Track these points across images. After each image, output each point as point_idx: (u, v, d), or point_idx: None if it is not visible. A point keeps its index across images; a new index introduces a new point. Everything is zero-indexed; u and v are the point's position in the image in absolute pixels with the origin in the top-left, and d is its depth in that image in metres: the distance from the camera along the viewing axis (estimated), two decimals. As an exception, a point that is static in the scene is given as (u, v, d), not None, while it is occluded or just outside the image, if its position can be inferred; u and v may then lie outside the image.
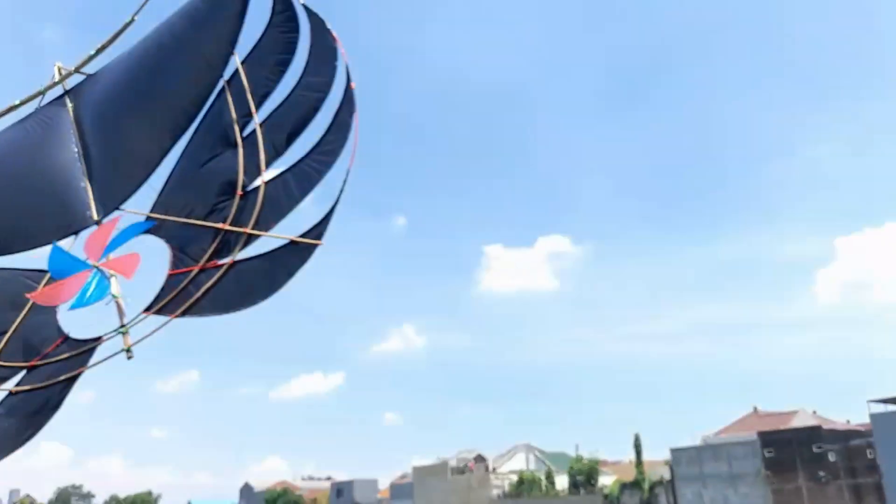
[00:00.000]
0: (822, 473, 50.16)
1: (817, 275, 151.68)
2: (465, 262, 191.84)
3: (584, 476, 68.75)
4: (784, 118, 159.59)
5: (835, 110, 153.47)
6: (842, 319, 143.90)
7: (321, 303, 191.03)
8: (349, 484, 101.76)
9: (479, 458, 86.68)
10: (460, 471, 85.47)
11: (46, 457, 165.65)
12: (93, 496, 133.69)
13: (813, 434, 52.58)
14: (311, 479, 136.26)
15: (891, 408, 49.81)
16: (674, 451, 59.35)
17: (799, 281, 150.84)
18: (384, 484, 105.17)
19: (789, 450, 52.14)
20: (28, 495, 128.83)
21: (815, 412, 63.11)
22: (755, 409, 65.57)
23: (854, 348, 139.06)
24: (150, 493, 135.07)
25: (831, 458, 50.43)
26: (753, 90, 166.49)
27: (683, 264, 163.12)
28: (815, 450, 51.10)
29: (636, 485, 61.79)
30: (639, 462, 62.91)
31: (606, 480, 69.03)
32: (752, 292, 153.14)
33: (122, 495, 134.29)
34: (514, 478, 76.97)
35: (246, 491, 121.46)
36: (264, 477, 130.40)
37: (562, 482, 72.20)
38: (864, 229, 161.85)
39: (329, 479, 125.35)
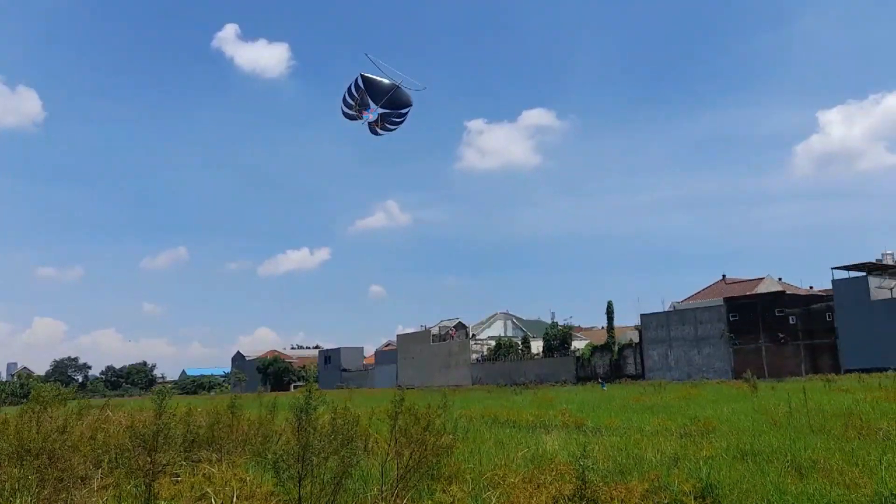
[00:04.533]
0: (781, 335, 52.95)
1: (797, 148, 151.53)
2: (446, 137, 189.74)
3: (559, 341, 72.10)
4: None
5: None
6: (817, 192, 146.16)
7: (305, 180, 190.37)
8: (336, 351, 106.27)
9: (460, 326, 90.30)
10: (442, 338, 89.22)
11: (41, 332, 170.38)
12: (89, 367, 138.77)
13: (776, 299, 54.97)
14: (300, 347, 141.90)
15: (853, 274, 51.77)
16: (643, 317, 62.06)
17: (777, 154, 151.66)
18: (370, 351, 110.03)
19: (753, 313, 54.70)
20: (25, 368, 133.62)
21: (780, 279, 65.54)
22: (724, 277, 67.92)
23: (828, 220, 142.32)
24: (144, 364, 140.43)
25: (791, 321, 53.02)
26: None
27: (665, 139, 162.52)
28: (776, 313, 53.61)
29: (607, 347, 65.08)
30: (610, 327, 65.84)
31: (580, 345, 72.52)
32: (730, 166, 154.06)
33: (118, 367, 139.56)
34: (493, 343, 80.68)
35: (238, 359, 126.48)
36: (255, 346, 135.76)
37: (537, 347, 75.81)
38: (847, 101, 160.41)
39: (317, 347, 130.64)
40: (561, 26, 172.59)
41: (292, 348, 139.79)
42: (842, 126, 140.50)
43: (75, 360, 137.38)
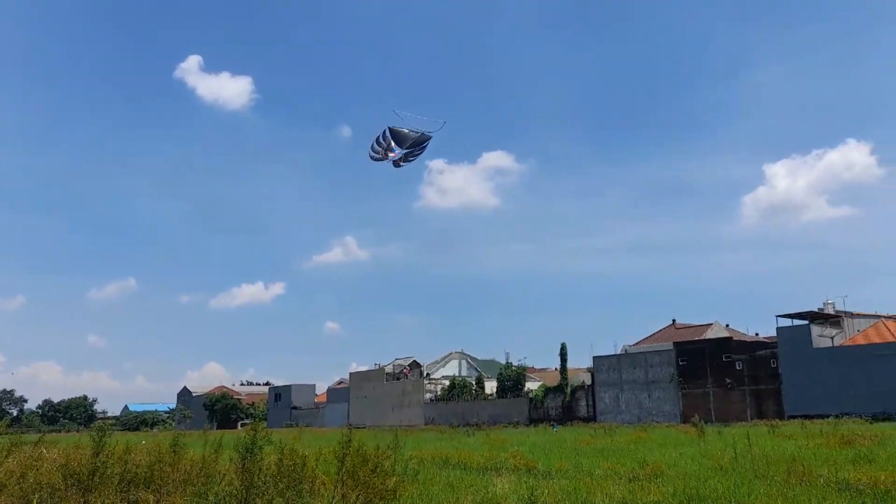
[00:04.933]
0: (728, 380, 54.05)
1: (745, 198, 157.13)
2: (408, 176, 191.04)
3: (513, 381, 72.08)
4: (729, 43, 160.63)
5: (778, 37, 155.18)
6: (763, 241, 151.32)
7: (263, 214, 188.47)
8: (287, 388, 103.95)
9: (415, 365, 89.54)
10: (396, 376, 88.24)
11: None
12: (25, 401, 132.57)
13: (723, 345, 56.25)
14: (249, 384, 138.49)
15: (797, 322, 53.40)
16: (596, 359, 62.64)
17: (726, 204, 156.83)
18: (322, 389, 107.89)
19: (701, 359, 55.80)
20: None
21: (728, 325, 67.18)
22: (674, 321, 69.29)
23: (773, 268, 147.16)
24: (85, 398, 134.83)
25: (738, 366, 54.21)
26: (702, 15, 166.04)
27: (619, 184, 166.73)
28: (724, 359, 54.78)
29: (559, 389, 65.30)
30: (563, 369, 66.17)
31: (533, 386, 72.61)
32: (681, 213, 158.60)
33: (56, 400, 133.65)
34: (447, 383, 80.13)
35: (184, 395, 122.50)
36: (203, 382, 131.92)
37: (491, 387, 75.58)
38: (792, 155, 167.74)
39: (268, 384, 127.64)
40: (522, 71, 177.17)
41: (241, 384, 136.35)
42: (787, 179, 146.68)
43: (11, 392, 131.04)
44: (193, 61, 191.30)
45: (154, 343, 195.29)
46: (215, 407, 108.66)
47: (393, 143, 33.43)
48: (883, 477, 12.59)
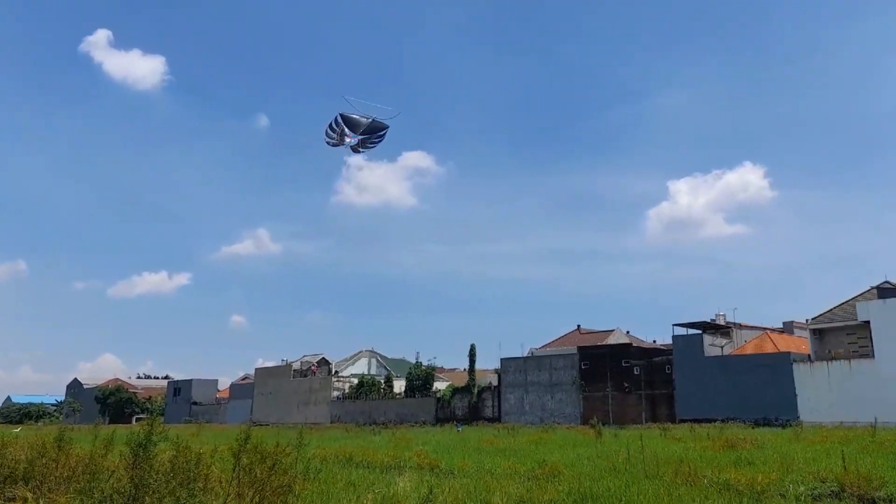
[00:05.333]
0: (626, 384, 56.41)
1: (650, 212, 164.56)
2: (326, 170, 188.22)
3: (422, 381, 72.39)
4: (641, 67, 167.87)
5: (685, 65, 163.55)
6: (664, 254, 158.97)
7: (170, 200, 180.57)
8: (187, 383, 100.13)
9: (323, 362, 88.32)
10: (303, 373, 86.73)
11: None
12: None
13: (623, 350, 58.66)
14: (147, 377, 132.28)
15: (691, 331, 56.40)
16: (503, 361, 63.89)
17: (632, 217, 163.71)
18: (225, 385, 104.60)
19: (602, 363, 57.95)
20: None
21: (628, 332, 70.13)
22: (579, 327, 71.68)
23: (672, 280, 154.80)
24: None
25: (636, 371, 56.65)
26: (616, 40, 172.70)
27: (534, 194, 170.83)
28: (623, 364, 57.12)
29: (467, 389, 66.15)
30: (472, 370, 67.07)
31: (441, 385, 73.18)
32: (590, 224, 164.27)
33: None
34: (355, 381, 79.53)
35: (74, 387, 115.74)
36: (97, 374, 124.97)
37: (400, 386, 75.59)
38: (694, 174, 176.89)
39: (167, 378, 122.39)
40: (447, 76, 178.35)
41: (139, 377, 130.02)
42: (688, 196, 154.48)
43: None
44: (102, 35, 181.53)
45: (44, 331, 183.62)
46: (108, 400, 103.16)
47: (346, 129, 33.98)
48: (760, 478, 13.53)
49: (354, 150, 35.88)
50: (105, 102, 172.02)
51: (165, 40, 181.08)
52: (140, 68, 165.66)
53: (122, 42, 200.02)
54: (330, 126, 34.69)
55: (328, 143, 35.17)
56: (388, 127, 34.72)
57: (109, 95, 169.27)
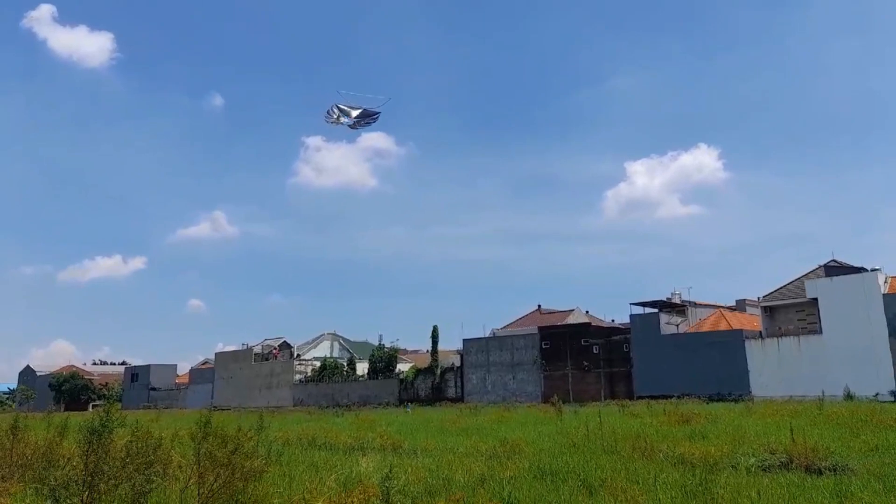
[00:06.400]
0: (585, 363, 57.43)
1: (607, 193, 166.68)
2: (283, 151, 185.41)
3: (385, 363, 72.48)
4: (598, 50, 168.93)
5: (641, 48, 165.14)
6: (622, 234, 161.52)
7: (122, 182, 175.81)
8: (145, 368, 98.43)
9: (285, 345, 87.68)
10: (265, 357, 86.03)
11: None
12: None
13: (582, 330, 59.63)
14: (103, 363, 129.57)
15: (647, 310, 57.55)
16: (465, 342, 64.36)
17: (591, 198, 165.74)
18: (185, 370, 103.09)
19: (562, 342, 58.85)
20: None
21: (587, 312, 71.21)
22: (539, 307, 72.47)
23: (630, 259, 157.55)
24: None
25: (595, 350, 57.71)
26: (572, 23, 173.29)
27: (493, 175, 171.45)
28: (583, 343, 58.11)
29: (430, 370, 66.51)
30: (434, 351, 67.42)
31: (404, 367, 73.41)
32: (548, 206, 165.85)
33: None
34: (318, 364, 79.22)
35: (27, 374, 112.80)
36: (50, 361, 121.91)
37: (363, 368, 75.60)
38: (651, 155, 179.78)
39: (124, 364, 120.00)
40: (404, 57, 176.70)
41: (94, 364, 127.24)
42: (645, 177, 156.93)
43: None
44: (46, 10, 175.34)
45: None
46: (63, 387, 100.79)
47: (341, 115, 38.44)
48: (713, 451, 14.00)
49: (352, 127, 39.78)
50: (50, 81, 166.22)
51: (113, 16, 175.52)
52: (87, 45, 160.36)
53: (67, 17, 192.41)
54: (328, 112, 39.07)
55: (327, 120, 38.94)
56: (380, 112, 38.93)
57: (55, 73, 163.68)
